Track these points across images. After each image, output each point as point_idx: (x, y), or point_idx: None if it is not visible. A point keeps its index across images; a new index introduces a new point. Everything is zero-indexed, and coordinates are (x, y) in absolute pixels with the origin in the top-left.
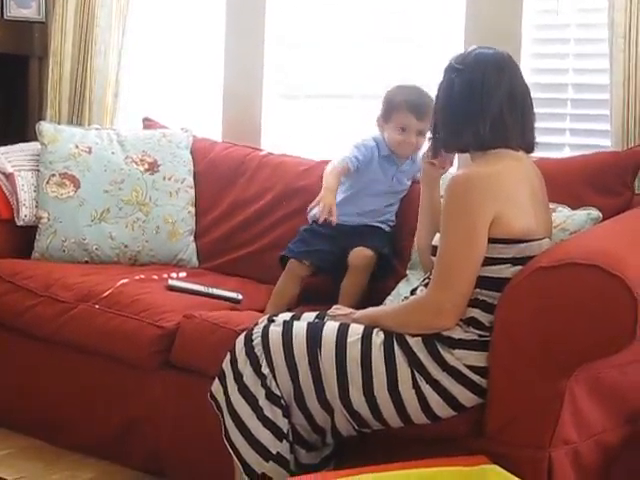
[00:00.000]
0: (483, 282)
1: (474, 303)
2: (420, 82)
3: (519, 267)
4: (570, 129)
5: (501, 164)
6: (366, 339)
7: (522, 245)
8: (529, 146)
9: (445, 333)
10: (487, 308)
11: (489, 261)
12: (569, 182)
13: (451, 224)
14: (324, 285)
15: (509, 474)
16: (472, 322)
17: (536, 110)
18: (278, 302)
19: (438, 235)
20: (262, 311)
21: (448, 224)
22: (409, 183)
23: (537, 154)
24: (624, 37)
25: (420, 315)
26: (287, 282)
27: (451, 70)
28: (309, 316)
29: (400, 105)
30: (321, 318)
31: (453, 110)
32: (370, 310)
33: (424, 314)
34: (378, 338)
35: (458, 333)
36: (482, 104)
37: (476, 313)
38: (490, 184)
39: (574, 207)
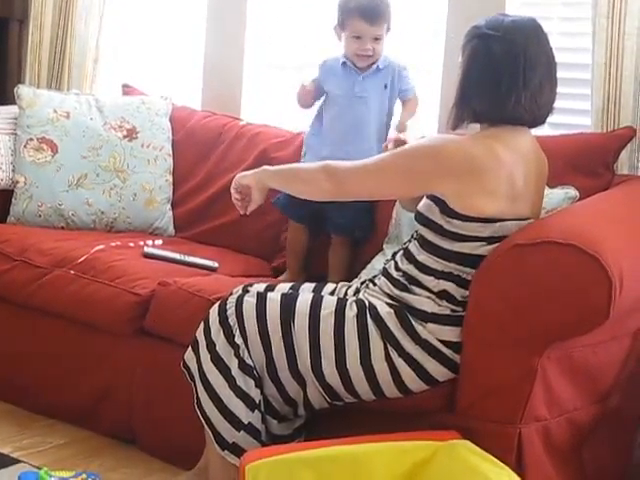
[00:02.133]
0: (458, 258)
1: (448, 277)
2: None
3: (494, 245)
4: None
5: (494, 146)
6: (339, 312)
7: (497, 225)
8: (543, 122)
9: (418, 306)
10: (461, 283)
11: (464, 238)
12: (550, 161)
13: (406, 159)
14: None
15: (479, 449)
16: (445, 295)
17: None
18: (291, 254)
19: (424, 200)
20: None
21: (402, 155)
22: (386, 95)
23: None
24: (607, 17)
25: (312, 173)
26: (292, 230)
27: (484, 36)
28: (284, 287)
29: (352, 12)
30: (295, 290)
31: (494, 79)
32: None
33: (315, 174)
34: (351, 311)
35: (430, 307)
36: (525, 74)
37: (449, 287)
38: (461, 163)
39: (552, 186)
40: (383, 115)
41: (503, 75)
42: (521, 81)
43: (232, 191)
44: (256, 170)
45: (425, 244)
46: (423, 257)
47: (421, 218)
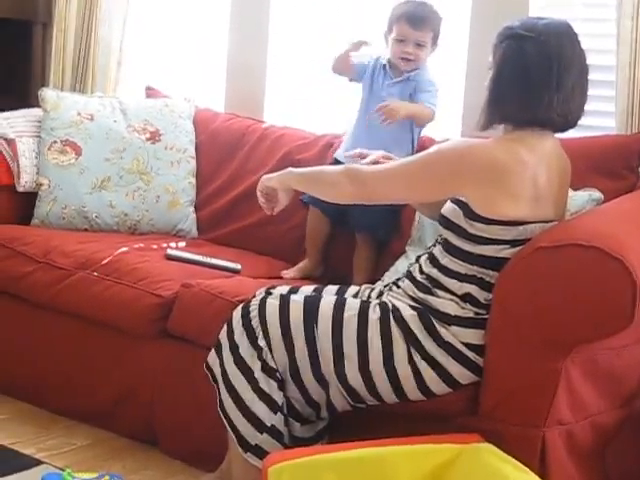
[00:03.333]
0: (481, 260)
1: (471, 280)
2: None
3: (518, 248)
4: None
5: (518, 149)
6: (362, 314)
7: (520, 227)
8: (574, 125)
9: (441, 309)
10: (484, 286)
11: (488, 241)
12: (574, 163)
13: (428, 161)
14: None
15: (502, 452)
16: (468, 298)
17: None
18: (310, 241)
19: (448, 204)
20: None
21: (426, 159)
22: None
23: None
24: (632, 18)
25: (335, 176)
26: (312, 221)
27: (518, 37)
28: (307, 289)
29: (400, 16)
30: (319, 292)
31: (527, 81)
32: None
33: (338, 177)
34: (374, 314)
35: (454, 309)
36: (558, 76)
37: (472, 289)
38: (485, 167)
39: (576, 188)
40: (406, 123)
41: (536, 77)
42: (554, 84)
43: (258, 193)
44: (281, 172)
45: (449, 247)
46: (447, 260)
47: (445, 222)
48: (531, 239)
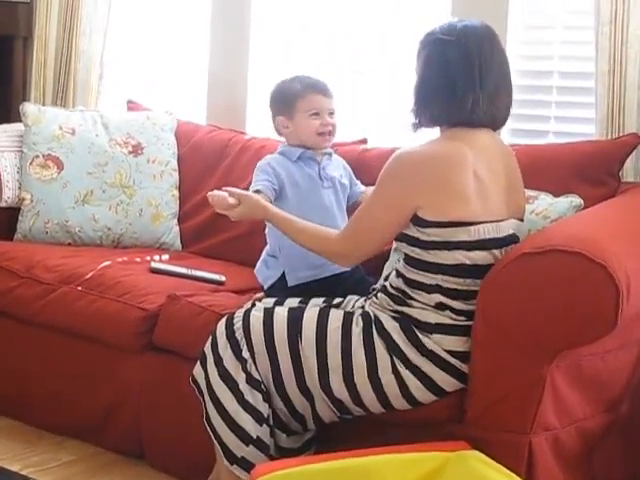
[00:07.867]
0: (440, 268)
1: (436, 289)
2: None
3: (474, 252)
4: (555, 116)
5: (455, 144)
6: (346, 327)
7: (472, 228)
8: (503, 123)
9: (422, 319)
10: (451, 294)
11: (442, 245)
12: (555, 170)
13: (379, 190)
14: None
15: (489, 459)
16: (442, 306)
17: (521, 97)
18: None
19: None
20: (245, 293)
21: (376, 189)
22: (347, 183)
23: (521, 141)
24: (609, 24)
25: (322, 249)
26: None
27: (438, 42)
28: (292, 302)
29: (302, 91)
30: (304, 304)
31: (450, 83)
32: (284, 216)
33: (326, 251)
34: (357, 327)
35: (434, 318)
36: (481, 76)
37: (442, 299)
38: (428, 169)
39: (558, 195)
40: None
41: (459, 79)
42: (477, 84)
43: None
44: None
45: (409, 260)
46: (411, 274)
47: (398, 235)
48: (489, 240)
